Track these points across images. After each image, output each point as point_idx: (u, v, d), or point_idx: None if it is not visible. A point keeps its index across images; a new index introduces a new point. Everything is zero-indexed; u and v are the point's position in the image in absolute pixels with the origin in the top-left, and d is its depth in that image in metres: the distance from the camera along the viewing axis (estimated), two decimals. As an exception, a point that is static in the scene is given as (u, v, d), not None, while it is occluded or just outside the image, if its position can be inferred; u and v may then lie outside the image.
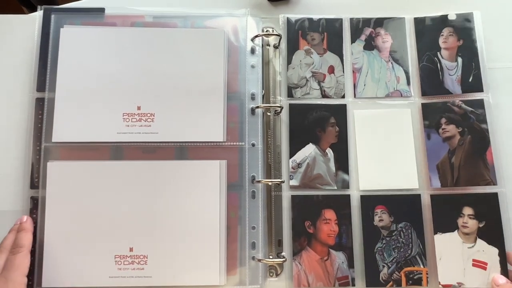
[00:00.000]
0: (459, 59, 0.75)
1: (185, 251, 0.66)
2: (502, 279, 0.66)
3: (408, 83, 0.75)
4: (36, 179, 0.68)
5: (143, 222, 0.66)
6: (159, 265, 0.65)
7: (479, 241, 0.68)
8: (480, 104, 0.73)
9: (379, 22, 0.77)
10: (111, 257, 0.65)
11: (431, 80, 0.75)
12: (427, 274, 0.68)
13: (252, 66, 0.73)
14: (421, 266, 0.69)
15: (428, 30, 0.77)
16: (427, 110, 0.73)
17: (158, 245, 0.66)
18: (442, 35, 0.76)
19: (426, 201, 0.71)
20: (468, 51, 0.75)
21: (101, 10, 0.74)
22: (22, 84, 0.72)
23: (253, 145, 0.71)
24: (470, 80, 0.74)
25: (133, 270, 0.65)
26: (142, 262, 0.65)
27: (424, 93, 0.74)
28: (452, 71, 0.75)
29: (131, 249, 0.65)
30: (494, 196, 0.70)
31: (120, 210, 0.67)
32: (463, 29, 0.76)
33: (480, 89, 0.73)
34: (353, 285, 0.68)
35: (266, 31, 0.75)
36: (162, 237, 0.66)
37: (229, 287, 0.67)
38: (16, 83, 0.72)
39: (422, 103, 0.74)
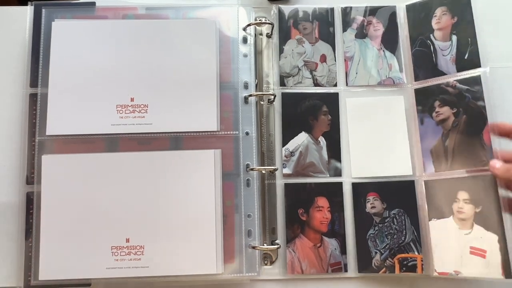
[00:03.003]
0: (453, 37, 0.72)
1: (182, 240, 0.67)
2: (499, 163, 0.64)
3: (401, 70, 0.75)
4: (32, 175, 0.68)
5: (140, 212, 0.67)
6: (156, 255, 0.66)
7: (476, 227, 0.66)
8: (476, 81, 0.69)
9: (371, 11, 0.77)
10: (107, 248, 0.66)
11: (424, 64, 0.74)
12: (422, 261, 0.69)
13: (245, 55, 0.74)
14: (416, 253, 0.69)
15: (420, 14, 0.75)
16: (420, 95, 0.73)
17: (154, 235, 0.67)
18: (435, 15, 0.74)
19: (420, 187, 0.71)
20: (463, 27, 0.73)
21: (92, 3, 0.74)
22: (15, 80, 0.72)
23: (247, 133, 0.72)
24: (465, 57, 0.71)
25: (130, 261, 0.66)
26: (139, 252, 0.66)
27: (417, 78, 0.74)
28: (445, 51, 0.73)
29: (127, 240, 0.66)
30: (492, 178, 0.65)
31: (116, 201, 0.67)
32: (458, 4, 0.73)
33: (477, 65, 0.70)
34: (346, 270, 0.70)
35: (259, 20, 0.75)
36: (159, 227, 0.67)
37: (227, 275, 0.68)
38: (8, 79, 0.73)
39: (415, 89, 0.73)
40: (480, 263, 0.65)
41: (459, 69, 0.71)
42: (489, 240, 0.64)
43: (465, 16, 0.73)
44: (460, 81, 0.71)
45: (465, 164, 0.68)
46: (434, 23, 0.74)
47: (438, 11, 0.74)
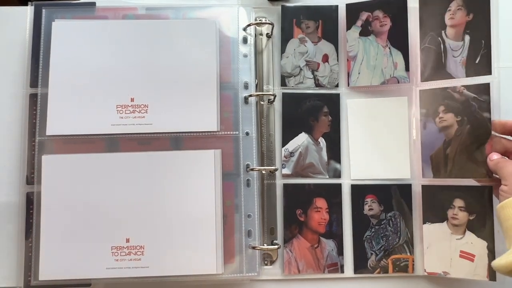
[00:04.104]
0: (466, 38, 0.68)
1: (182, 240, 0.67)
2: (497, 155, 0.63)
3: (407, 68, 0.71)
4: (32, 175, 0.69)
5: (140, 213, 0.68)
6: (156, 256, 0.67)
7: (468, 233, 0.67)
8: (485, 89, 0.66)
9: (378, 4, 0.73)
10: (107, 248, 0.67)
11: (432, 64, 0.70)
12: (413, 261, 0.70)
13: (245, 56, 0.73)
14: (408, 254, 0.71)
15: (434, 6, 0.71)
16: (425, 98, 0.70)
17: (154, 235, 0.67)
18: (449, 9, 0.69)
19: (417, 191, 0.71)
20: (478, 27, 0.67)
21: (92, 3, 0.73)
22: (15, 80, 0.72)
23: (247, 134, 0.72)
24: (476, 61, 0.67)
25: (130, 261, 0.67)
26: (139, 252, 0.67)
27: (423, 79, 0.71)
28: (456, 52, 0.69)
29: (127, 240, 0.67)
30: (489, 189, 0.67)
31: (116, 201, 0.68)
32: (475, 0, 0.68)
33: (488, 72, 0.66)
34: (342, 271, 0.71)
35: (259, 20, 0.74)
36: (159, 227, 0.68)
37: (227, 275, 0.68)
38: (8, 79, 0.73)
39: (420, 90, 0.71)
40: (468, 266, 0.68)
41: (468, 74, 0.68)
42: (478, 246, 0.67)
43: (481, 14, 0.68)
44: (468, 87, 0.67)
45: (464, 174, 0.68)
46: (447, 18, 0.70)
47: (454, 5, 0.69)
